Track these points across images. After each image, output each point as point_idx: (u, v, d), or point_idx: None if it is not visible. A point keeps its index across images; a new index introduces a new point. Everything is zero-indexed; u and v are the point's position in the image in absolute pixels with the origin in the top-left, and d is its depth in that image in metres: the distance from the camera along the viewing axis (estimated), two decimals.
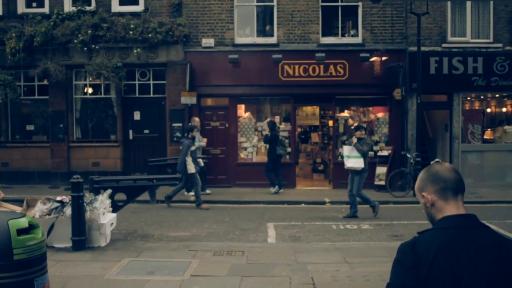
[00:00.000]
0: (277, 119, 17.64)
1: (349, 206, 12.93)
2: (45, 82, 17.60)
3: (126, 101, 17.61)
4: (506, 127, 18.18)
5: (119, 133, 17.59)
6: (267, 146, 16.49)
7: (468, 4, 17.09)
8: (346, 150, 12.69)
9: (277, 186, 15.96)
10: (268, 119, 17.13)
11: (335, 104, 17.59)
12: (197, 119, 15.83)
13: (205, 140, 15.68)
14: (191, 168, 13.62)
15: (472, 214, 2.48)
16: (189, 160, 13.64)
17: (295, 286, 6.83)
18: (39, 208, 9.05)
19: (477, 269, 2.30)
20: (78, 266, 7.78)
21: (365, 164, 12.46)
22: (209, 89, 17.20)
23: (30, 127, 18.07)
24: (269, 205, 14.59)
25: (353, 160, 12.44)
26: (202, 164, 14.84)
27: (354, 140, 12.55)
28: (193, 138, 14.26)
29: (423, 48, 16.16)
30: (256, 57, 17.04)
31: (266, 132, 16.52)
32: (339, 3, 17.04)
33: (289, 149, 17.25)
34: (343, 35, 17.42)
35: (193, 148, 13.89)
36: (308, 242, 10.07)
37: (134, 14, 17.04)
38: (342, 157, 13.01)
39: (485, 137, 18.27)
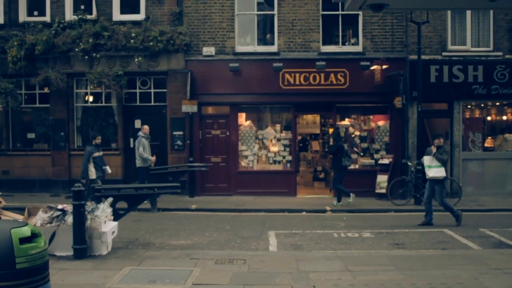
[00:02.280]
0: (277, 127, 17.67)
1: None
2: (46, 90, 17.64)
3: (127, 109, 17.64)
4: (506, 135, 18.17)
5: (120, 141, 17.61)
6: (331, 156, 16.19)
7: (468, 13, 17.15)
8: (426, 160, 12.72)
9: (331, 198, 15.71)
10: (333, 129, 17.00)
11: (336, 112, 17.61)
12: (146, 127, 15.84)
13: (153, 158, 15.57)
14: (92, 174, 14.09)
15: None
16: (90, 166, 14.07)
17: None
18: (41, 217, 9.05)
19: None
20: (79, 274, 7.78)
21: (446, 172, 12.47)
22: (210, 98, 17.24)
23: (31, 135, 18.08)
24: (270, 213, 14.58)
25: (434, 170, 12.47)
26: (109, 171, 14.87)
27: (433, 149, 12.59)
28: (97, 146, 14.44)
29: (423, 57, 16.22)
30: (257, 65, 17.09)
31: (331, 142, 16.01)
32: (340, 12, 17.10)
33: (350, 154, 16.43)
34: (343, 44, 17.46)
35: (96, 154, 14.19)
36: (310, 250, 10.05)
37: (135, 23, 17.10)
38: (423, 166, 12.93)
39: (485, 145, 18.27)
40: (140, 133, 15.52)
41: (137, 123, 17.65)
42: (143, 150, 15.24)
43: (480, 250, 9.96)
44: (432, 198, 12.63)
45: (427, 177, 12.77)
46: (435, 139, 12.85)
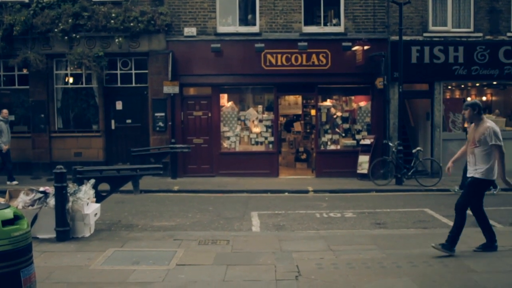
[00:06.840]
0: (259, 108, 17.65)
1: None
2: (25, 71, 17.40)
3: (108, 91, 17.48)
4: (486, 115, 18.34)
5: (101, 123, 17.47)
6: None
7: None
8: None
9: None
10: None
11: (318, 93, 17.64)
12: (5, 111, 15.94)
13: (5, 147, 15.75)
14: None
15: None
16: None
17: (280, 274, 6.86)
18: (22, 199, 8.97)
19: None
20: (63, 256, 7.74)
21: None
22: (191, 79, 17.15)
23: (11, 118, 17.74)
24: (252, 194, 14.61)
25: None
26: None
27: None
28: None
29: (404, 37, 16.26)
30: (239, 46, 17.01)
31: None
32: None
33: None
34: (325, 24, 17.43)
35: None
36: (292, 230, 10.11)
37: (116, 3, 16.88)
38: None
39: (465, 125, 18.41)
40: None
41: (118, 105, 17.55)
42: None
43: None
44: None
45: None
46: None
